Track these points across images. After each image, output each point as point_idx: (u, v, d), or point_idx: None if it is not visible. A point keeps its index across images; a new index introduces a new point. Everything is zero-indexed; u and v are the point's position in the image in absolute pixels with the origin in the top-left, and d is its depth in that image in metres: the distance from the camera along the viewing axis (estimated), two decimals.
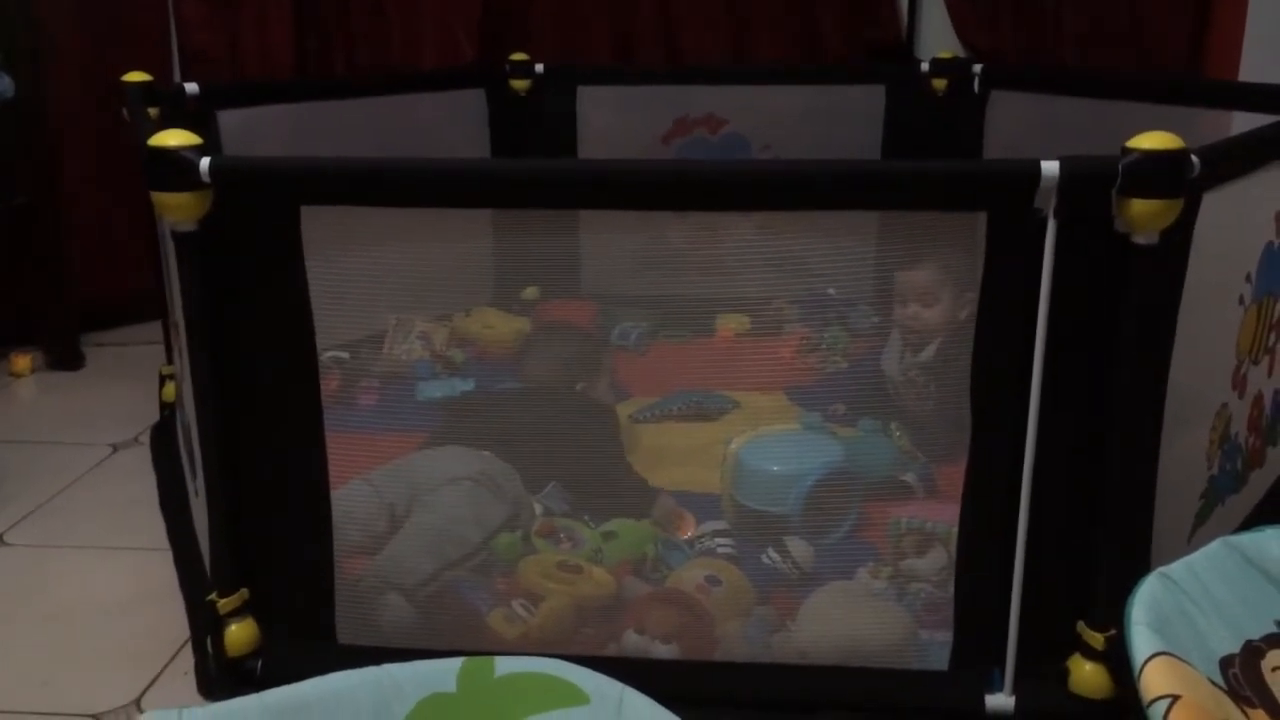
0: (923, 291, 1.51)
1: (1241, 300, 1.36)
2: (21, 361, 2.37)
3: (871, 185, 1.16)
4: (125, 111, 1.84)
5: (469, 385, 1.73)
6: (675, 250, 1.31)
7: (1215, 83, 2.32)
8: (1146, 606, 0.73)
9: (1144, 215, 1.08)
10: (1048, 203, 1.11)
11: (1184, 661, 0.69)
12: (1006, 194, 1.12)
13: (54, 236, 2.37)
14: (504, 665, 0.77)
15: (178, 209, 1.16)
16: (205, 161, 1.14)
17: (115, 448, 2.01)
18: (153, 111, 1.78)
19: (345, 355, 1.41)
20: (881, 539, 1.34)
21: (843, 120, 2.35)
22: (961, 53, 2.51)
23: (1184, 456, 1.27)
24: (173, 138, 1.16)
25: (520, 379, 1.70)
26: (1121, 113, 1.89)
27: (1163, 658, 0.69)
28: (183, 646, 1.40)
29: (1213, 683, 0.71)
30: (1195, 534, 1.35)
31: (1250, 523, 1.50)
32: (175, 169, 1.14)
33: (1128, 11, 2.49)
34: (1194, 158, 1.09)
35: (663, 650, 1.27)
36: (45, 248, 2.36)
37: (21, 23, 2.28)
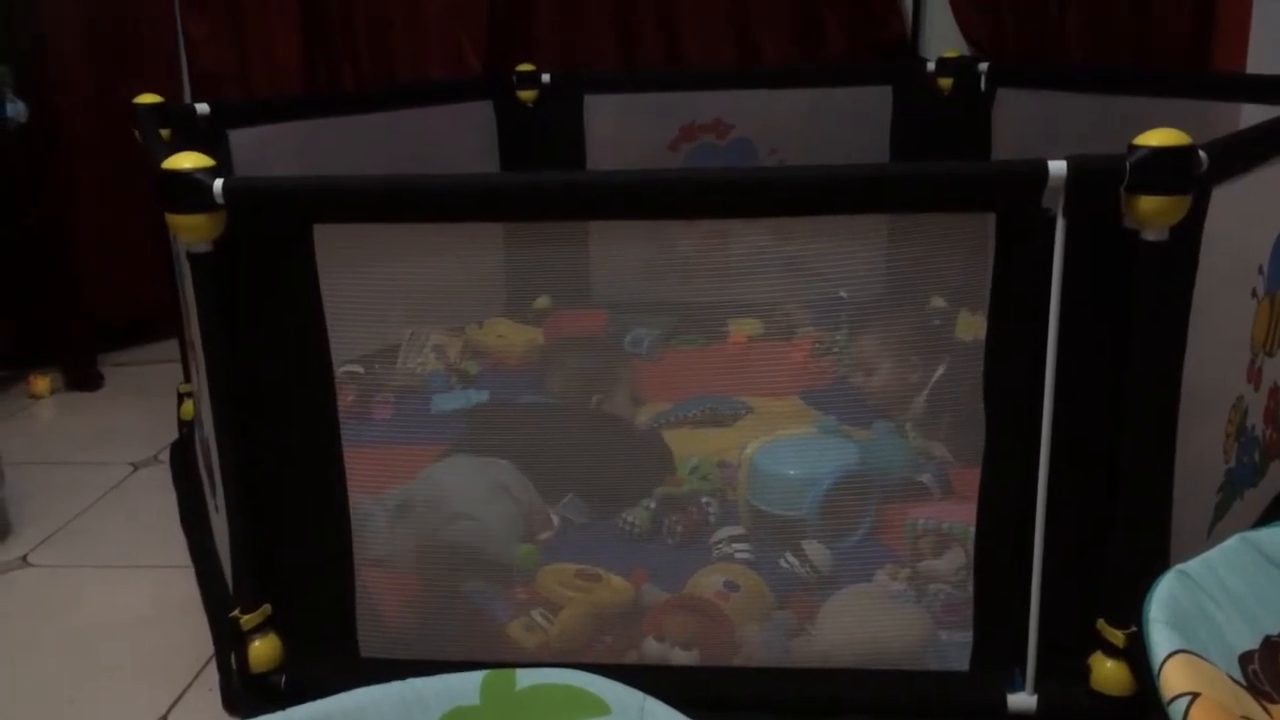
0: (863, 361, 1.54)
1: (1254, 293, 1.35)
2: (40, 383, 2.39)
3: (880, 189, 1.17)
4: (137, 133, 1.86)
5: (483, 396, 1.74)
6: (685, 256, 1.32)
7: (1223, 75, 2.31)
8: (1164, 604, 0.73)
9: (1153, 212, 1.08)
10: (1056, 201, 1.11)
11: (1203, 659, 0.69)
12: (1014, 194, 1.13)
13: (69, 258, 2.40)
14: (525, 677, 0.78)
15: (192, 230, 1.17)
16: (218, 183, 1.16)
17: (135, 466, 2.03)
18: (164, 132, 1.80)
19: (360, 369, 1.42)
20: (899, 541, 1.34)
21: (850, 122, 2.36)
22: (967, 51, 2.51)
23: (1200, 451, 1.27)
24: (186, 160, 1.17)
25: (538, 392, 1.71)
26: (1129, 108, 1.89)
27: (1182, 655, 0.69)
28: (207, 663, 1.41)
29: (1232, 679, 0.71)
30: (1214, 528, 1.35)
31: (1269, 515, 1.49)
32: (189, 191, 1.16)
33: (1132, 5, 2.48)
34: (1201, 153, 1.09)
35: (683, 656, 1.27)
36: (61, 269, 2.38)
37: (32, 46, 2.30)
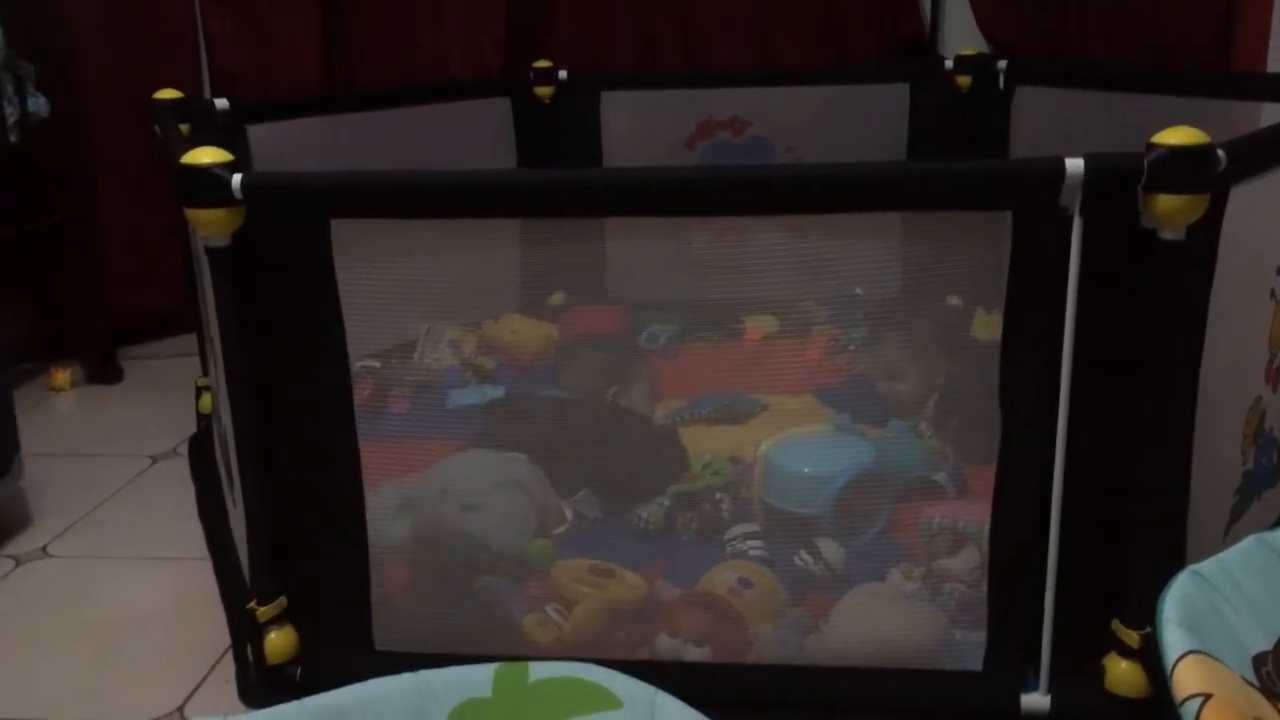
0: (880, 368, 1.54)
1: (1273, 294, 1.34)
2: (61, 376, 2.41)
3: (896, 187, 1.16)
4: (157, 128, 1.87)
5: (499, 392, 1.74)
6: (701, 253, 1.32)
7: (1243, 75, 2.29)
8: (1178, 604, 0.73)
9: (1170, 211, 1.07)
10: (1073, 200, 1.10)
11: (1216, 660, 0.69)
12: (1031, 192, 1.12)
13: (90, 252, 2.41)
14: (537, 670, 0.78)
15: (211, 225, 1.18)
16: (237, 178, 1.16)
17: (154, 459, 2.05)
18: (184, 128, 1.81)
19: (376, 364, 1.42)
20: (913, 539, 1.34)
21: (867, 119, 2.35)
22: (985, 49, 2.50)
23: (1217, 452, 1.26)
24: (205, 155, 1.18)
25: (553, 388, 1.71)
26: (1148, 106, 1.88)
27: (1195, 656, 0.69)
28: (224, 654, 1.42)
29: (1246, 681, 0.71)
30: (1231, 529, 1.34)
31: None
32: (208, 186, 1.16)
33: (1153, 4, 2.46)
34: (1220, 152, 1.09)
35: (695, 653, 1.28)
36: (82, 264, 2.40)
37: (54, 42, 2.32)
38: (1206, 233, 1.12)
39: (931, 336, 1.34)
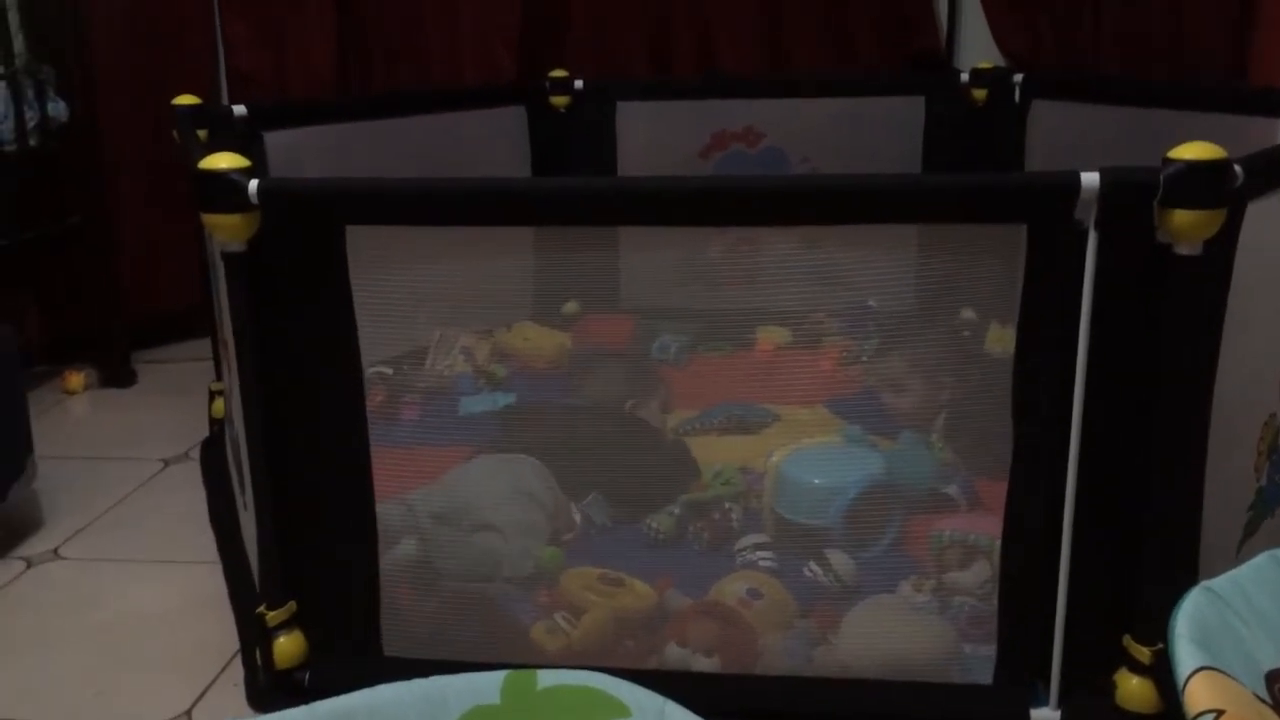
0: (892, 380, 1.53)
1: None
2: (75, 379, 2.42)
3: (911, 199, 1.16)
4: (175, 133, 1.88)
5: (510, 399, 1.75)
6: (714, 264, 1.32)
7: (1260, 89, 2.29)
8: (1190, 620, 0.73)
9: (1186, 226, 1.07)
10: (1088, 214, 1.10)
11: (1229, 676, 0.69)
12: (1046, 206, 1.12)
13: (106, 256, 2.43)
14: (546, 678, 0.78)
15: (227, 230, 1.18)
16: (253, 184, 1.17)
17: (166, 463, 2.05)
18: (202, 133, 1.82)
19: (389, 370, 1.43)
20: (924, 552, 1.34)
21: (882, 131, 2.35)
22: (1001, 62, 2.50)
23: (1231, 468, 1.26)
24: (222, 160, 1.19)
25: (564, 396, 1.71)
26: (1165, 121, 1.87)
27: (1207, 672, 0.68)
28: (233, 658, 1.42)
29: (1258, 697, 0.70)
30: (1244, 546, 1.33)
31: None
32: (225, 191, 1.17)
33: (1170, 18, 2.46)
34: (1237, 167, 1.08)
35: (704, 663, 1.27)
36: (97, 267, 2.41)
37: (74, 47, 2.34)
38: (1223, 248, 1.12)
39: (945, 349, 1.34)
